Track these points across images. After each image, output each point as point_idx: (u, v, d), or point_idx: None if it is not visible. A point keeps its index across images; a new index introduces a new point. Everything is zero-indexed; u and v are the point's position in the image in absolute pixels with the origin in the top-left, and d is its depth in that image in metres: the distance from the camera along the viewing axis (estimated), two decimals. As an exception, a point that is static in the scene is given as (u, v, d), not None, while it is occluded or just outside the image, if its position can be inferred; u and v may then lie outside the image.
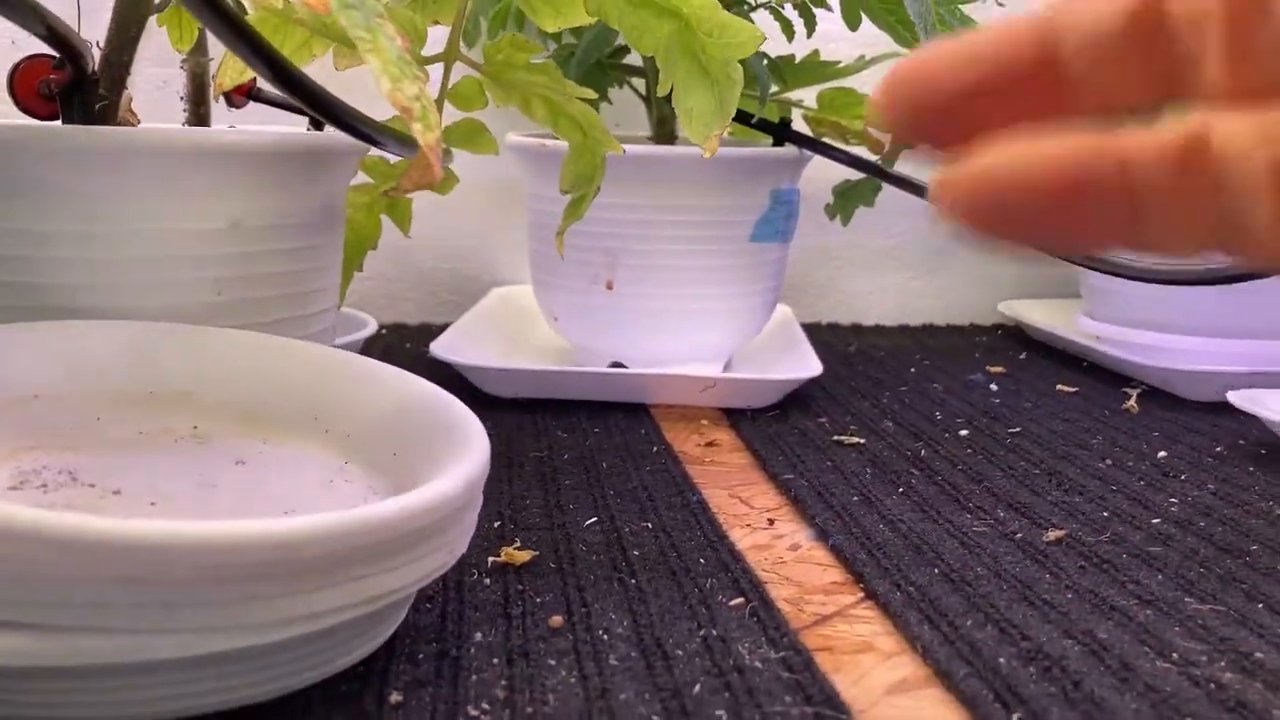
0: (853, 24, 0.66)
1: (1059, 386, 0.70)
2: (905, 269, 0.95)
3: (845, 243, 0.94)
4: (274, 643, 0.27)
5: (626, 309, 0.65)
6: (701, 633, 0.35)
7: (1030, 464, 0.54)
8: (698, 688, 0.31)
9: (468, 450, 0.33)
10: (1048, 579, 0.40)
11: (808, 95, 0.77)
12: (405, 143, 0.42)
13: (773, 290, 0.69)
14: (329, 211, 0.46)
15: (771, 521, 0.46)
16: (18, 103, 0.45)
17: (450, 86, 0.47)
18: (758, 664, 0.33)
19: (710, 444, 0.57)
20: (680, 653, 0.33)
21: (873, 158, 0.68)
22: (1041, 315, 0.86)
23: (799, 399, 0.65)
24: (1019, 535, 0.44)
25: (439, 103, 0.47)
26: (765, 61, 0.66)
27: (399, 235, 0.90)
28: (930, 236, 0.95)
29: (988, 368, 0.75)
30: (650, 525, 0.44)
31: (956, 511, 0.47)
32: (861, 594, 0.39)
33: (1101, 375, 0.73)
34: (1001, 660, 0.33)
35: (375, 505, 0.28)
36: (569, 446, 0.55)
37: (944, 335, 0.90)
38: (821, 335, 0.90)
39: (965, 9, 0.51)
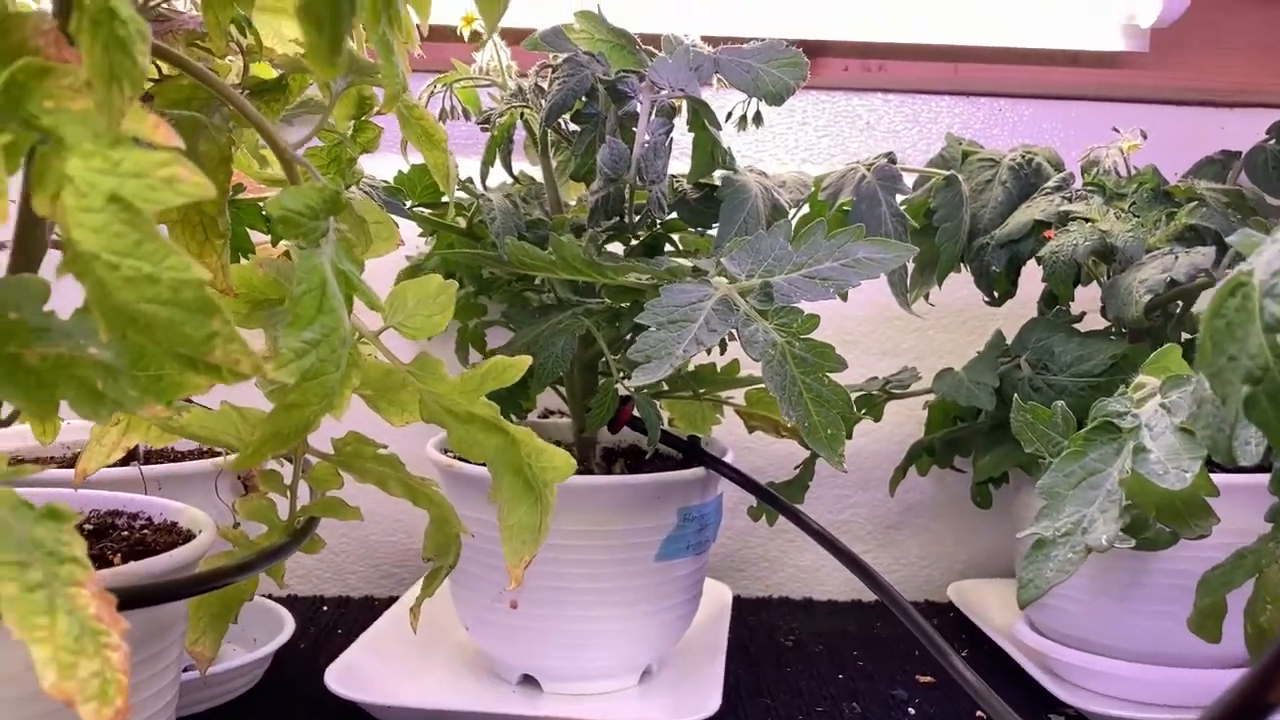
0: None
1: (977, 714, 0.67)
2: (858, 542, 0.94)
3: (796, 517, 0.94)
4: None
5: (533, 627, 0.65)
6: None
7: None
8: None
9: None
10: None
11: (738, 394, 0.79)
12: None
13: (686, 603, 0.69)
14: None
15: None
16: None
17: (305, 471, 0.48)
18: None
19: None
20: None
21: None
22: (985, 605, 0.84)
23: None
24: None
25: (292, 487, 0.49)
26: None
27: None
28: (884, 512, 0.94)
29: (918, 677, 0.73)
30: None
31: None
32: None
33: (1033, 689, 0.70)
34: None
35: None
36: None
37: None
38: (770, 614, 0.88)
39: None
